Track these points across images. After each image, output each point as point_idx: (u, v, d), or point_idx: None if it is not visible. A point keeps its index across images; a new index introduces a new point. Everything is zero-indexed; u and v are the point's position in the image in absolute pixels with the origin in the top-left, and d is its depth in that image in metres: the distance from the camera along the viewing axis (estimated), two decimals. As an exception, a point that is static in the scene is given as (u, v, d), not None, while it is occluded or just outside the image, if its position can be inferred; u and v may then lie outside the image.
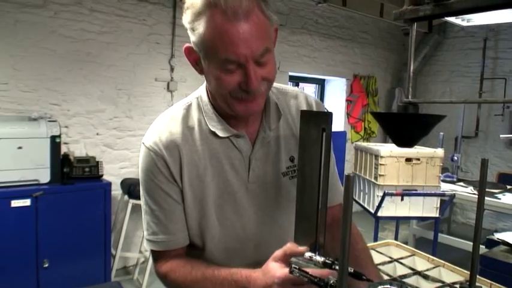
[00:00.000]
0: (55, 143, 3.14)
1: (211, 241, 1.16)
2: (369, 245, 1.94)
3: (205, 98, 1.16)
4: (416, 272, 1.70)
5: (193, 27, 0.98)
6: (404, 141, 0.77)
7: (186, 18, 1.00)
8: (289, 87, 1.31)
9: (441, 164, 3.72)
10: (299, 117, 1.21)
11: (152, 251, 1.20)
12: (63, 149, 3.44)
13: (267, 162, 1.17)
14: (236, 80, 0.99)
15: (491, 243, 2.64)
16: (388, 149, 3.62)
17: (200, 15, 0.95)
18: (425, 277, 1.67)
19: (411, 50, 0.75)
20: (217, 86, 1.03)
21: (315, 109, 1.26)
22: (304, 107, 1.24)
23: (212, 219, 1.14)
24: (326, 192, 0.87)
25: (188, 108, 1.17)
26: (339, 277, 0.62)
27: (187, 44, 1.05)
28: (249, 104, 1.04)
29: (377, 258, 1.84)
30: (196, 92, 1.21)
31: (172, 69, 4.28)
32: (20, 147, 2.96)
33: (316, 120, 0.89)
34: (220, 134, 1.12)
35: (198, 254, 1.19)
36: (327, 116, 0.87)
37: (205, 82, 1.15)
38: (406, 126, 0.73)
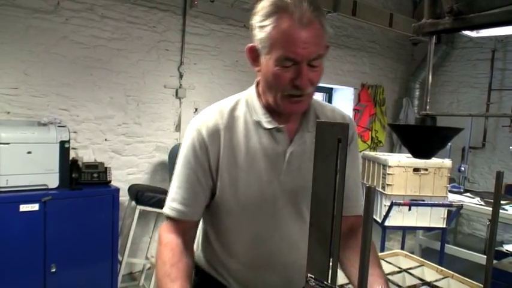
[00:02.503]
0: (64, 148, 3.15)
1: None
2: (377, 255, 1.94)
3: (254, 95, 1.28)
4: (425, 283, 1.70)
5: (261, 25, 1.12)
6: (422, 153, 0.77)
7: (256, 19, 1.14)
8: (327, 103, 1.47)
9: (449, 175, 3.71)
10: None
11: (166, 216, 1.30)
12: (72, 155, 3.45)
13: (302, 159, 1.25)
14: (289, 76, 1.12)
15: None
16: (396, 159, 3.62)
17: (270, 15, 1.10)
18: (435, 288, 1.66)
19: (430, 64, 0.76)
20: (272, 80, 1.15)
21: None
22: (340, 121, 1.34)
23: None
24: (341, 203, 0.87)
25: (237, 102, 1.30)
26: (358, 282, 0.63)
27: (250, 44, 1.18)
28: (295, 105, 1.18)
29: (386, 268, 1.84)
30: (246, 91, 1.33)
31: (181, 76, 4.29)
32: (29, 152, 2.97)
33: (331, 130, 0.89)
34: (264, 125, 1.23)
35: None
36: (343, 127, 0.87)
37: (253, 85, 1.30)
38: (424, 139, 0.74)
